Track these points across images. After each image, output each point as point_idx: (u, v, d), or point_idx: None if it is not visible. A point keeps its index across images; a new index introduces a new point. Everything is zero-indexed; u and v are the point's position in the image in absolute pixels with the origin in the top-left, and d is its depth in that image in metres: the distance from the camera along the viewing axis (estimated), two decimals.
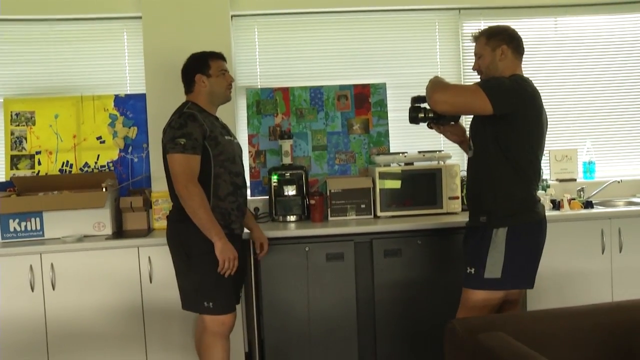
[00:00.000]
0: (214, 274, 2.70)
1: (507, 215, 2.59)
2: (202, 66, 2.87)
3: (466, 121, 2.92)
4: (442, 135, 3.03)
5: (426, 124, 2.86)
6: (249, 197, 3.22)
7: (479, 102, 2.51)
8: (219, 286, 2.74)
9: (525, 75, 2.71)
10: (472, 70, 2.86)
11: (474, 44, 2.78)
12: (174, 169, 2.70)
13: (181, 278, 2.84)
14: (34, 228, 3.35)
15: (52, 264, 3.20)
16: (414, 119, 2.80)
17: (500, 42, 2.67)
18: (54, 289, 3.21)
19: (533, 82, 2.68)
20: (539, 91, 2.65)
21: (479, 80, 2.74)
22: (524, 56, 2.75)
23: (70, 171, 3.80)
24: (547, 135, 2.71)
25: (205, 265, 2.71)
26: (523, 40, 2.75)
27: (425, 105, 2.77)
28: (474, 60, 2.81)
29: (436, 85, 2.64)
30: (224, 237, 2.70)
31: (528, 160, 2.62)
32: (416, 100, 2.82)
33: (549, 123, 2.74)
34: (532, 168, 2.65)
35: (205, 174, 2.74)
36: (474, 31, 2.83)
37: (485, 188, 2.66)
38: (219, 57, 2.93)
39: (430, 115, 2.75)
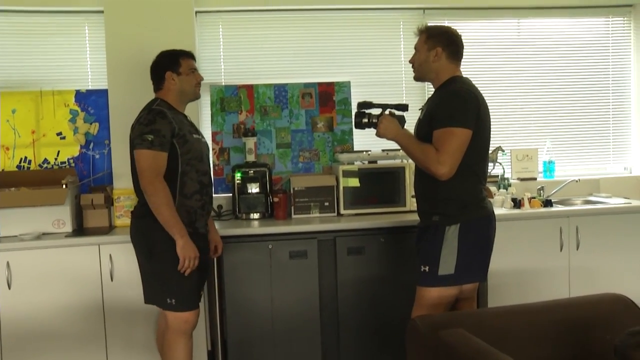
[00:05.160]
0: (177, 271, 2.68)
1: (458, 213, 2.62)
2: (172, 64, 2.86)
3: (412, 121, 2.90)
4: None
5: (372, 129, 2.82)
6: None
7: (464, 138, 2.53)
8: (182, 283, 2.72)
9: (465, 76, 2.73)
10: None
11: (417, 37, 2.78)
12: (140, 165, 2.68)
13: (144, 274, 2.82)
14: None
15: (7, 262, 3.13)
16: (358, 124, 2.80)
17: (437, 44, 2.67)
18: (9, 288, 3.13)
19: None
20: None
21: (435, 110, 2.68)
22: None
23: (29, 167, 3.71)
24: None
25: (168, 262, 2.68)
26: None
27: (371, 110, 2.78)
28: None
29: (423, 158, 2.60)
30: (186, 235, 2.69)
31: (477, 160, 2.65)
32: (362, 105, 2.81)
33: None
34: (480, 166, 2.70)
35: (172, 171, 2.73)
36: (420, 24, 2.83)
37: (435, 188, 2.66)
38: (189, 55, 2.94)
39: (374, 121, 2.75)
